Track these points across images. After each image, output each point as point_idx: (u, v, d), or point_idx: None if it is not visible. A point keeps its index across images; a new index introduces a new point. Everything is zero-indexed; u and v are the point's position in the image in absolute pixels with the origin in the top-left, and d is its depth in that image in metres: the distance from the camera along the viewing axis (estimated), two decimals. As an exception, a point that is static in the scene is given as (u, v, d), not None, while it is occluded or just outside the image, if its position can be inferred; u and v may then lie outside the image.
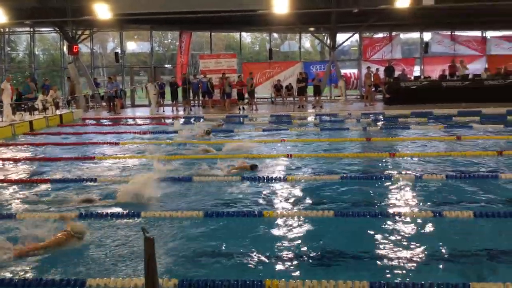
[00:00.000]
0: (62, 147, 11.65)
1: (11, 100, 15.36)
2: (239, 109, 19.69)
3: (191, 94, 20.66)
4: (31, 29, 24.18)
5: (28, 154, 10.77)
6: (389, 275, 4.17)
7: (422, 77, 20.78)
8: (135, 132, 13.96)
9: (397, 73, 20.79)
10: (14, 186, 7.64)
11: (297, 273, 4.25)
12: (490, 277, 4.07)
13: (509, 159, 8.70)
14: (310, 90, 21.00)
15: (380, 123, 14.82)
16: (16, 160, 9.88)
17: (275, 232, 5.33)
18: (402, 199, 6.50)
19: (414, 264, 4.41)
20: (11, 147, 11.77)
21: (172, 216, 5.82)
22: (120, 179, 7.78)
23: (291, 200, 6.50)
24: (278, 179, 7.54)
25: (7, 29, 24.36)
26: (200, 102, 22.04)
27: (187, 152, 10.41)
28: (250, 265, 4.49)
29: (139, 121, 17.68)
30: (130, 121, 17.83)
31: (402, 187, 7.07)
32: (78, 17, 19.81)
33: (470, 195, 6.55)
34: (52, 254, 4.72)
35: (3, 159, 9.96)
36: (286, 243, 4.96)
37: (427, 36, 23.94)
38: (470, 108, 16.18)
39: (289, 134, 12.97)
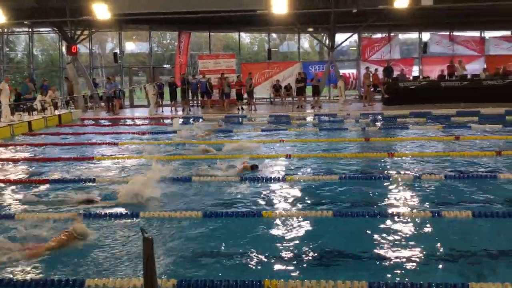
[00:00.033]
0: (61, 147, 11.63)
1: (9, 101, 15.34)
2: (238, 109, 19.67)
3: (190, 94, 20.65)
4: (30, 29, 24.16)
5: (26, 155, 10.75)
6: (388, 275, 4.17)
7: (420, 77, 20.76)
8: (134, 133, 13.95)
9: (395, 73, 20.82)
10: (13, 187, 7.64)
11: (296, 273, 4.26)
12: (489, 277, 4.07)
13: (508, 159, 8.71)
14: (309, 90, 21.00)
15: (379, 123, 14.82)
16: (15, 161, 9.88)
17: (274, 232, 5.33)
18: (401, 199, 6.50)
19: (413, 264, 4.42)
20: (9, 147, 11.75)
21: (171, 216, 5.82)
22: (119, 180, 7.78)
23: (290, 200, 6.50)
24: (277, 179, 7.54)
25: (5, 29, 24.33)
26: (199, 102, 22.04)
27: (186, 152, 10.41)
28: (249, 265, 4.49)
29: (138, 122, 17.64)
30: (129, 122, 17.80)
31: (401, 187, 7.08)
32: (77, 17, 19.83)
33: (469, 195, 6.56)
34: (52, 254, 4.72)
35: (2, 160, 9.95)
36: (285, 243, 4.96)
37: (425, 36, 24.00)
38: (469, 108, 16.20)
39: (288, 134, 12.96)
